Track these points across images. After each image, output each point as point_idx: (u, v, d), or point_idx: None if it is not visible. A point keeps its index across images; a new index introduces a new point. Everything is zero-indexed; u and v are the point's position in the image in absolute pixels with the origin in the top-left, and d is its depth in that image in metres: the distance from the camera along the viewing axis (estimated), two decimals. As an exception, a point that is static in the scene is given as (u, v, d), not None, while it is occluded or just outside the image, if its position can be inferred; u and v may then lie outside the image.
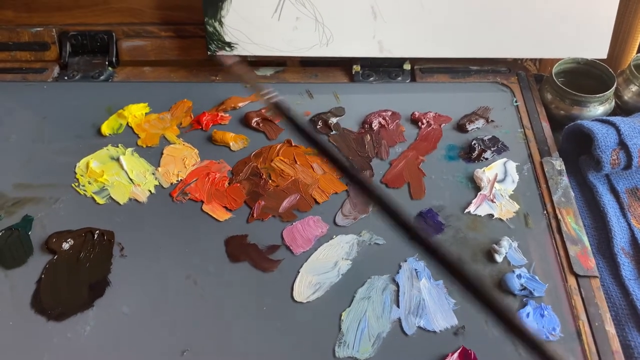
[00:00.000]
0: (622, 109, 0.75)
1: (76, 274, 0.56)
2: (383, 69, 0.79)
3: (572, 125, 0.66)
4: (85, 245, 0.58)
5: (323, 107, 0.73)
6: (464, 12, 0.74)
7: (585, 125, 0.64)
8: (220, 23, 0.75)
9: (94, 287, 0.55)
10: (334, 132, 0.70)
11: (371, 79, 0.78)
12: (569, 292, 0.54)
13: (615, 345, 0.50)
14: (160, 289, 0.55)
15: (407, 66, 0.79)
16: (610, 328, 0.51)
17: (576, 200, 0.62)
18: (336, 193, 0.63)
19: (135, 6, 0.79)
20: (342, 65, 0.80)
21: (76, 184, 0.64)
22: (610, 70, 0.73)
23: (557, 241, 0.58)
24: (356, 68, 0.79)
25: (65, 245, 0.58)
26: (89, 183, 0.64)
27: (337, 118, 0.72)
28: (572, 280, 0.55)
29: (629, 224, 0.61)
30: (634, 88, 0.73)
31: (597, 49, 0.76)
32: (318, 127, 0.70)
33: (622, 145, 0.62)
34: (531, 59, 0.84)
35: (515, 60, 0.82)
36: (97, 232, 0.59)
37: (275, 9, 0.74)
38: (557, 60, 0.75)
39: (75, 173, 0.65)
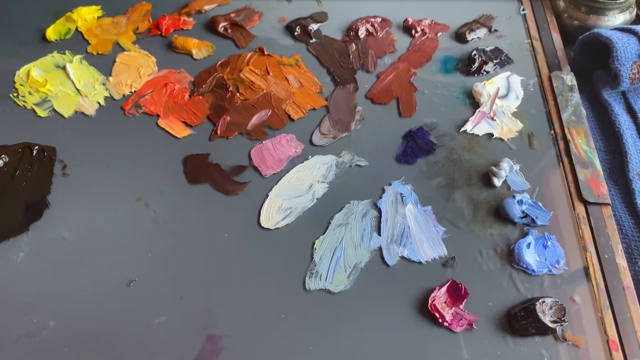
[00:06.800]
0: (645, 20, 0.66)
1: (10, 194, 0.50)
2: (373, -29, 0.69)
3: (587, 34, 0.58)
4: (22, 162, 0.51)
5: (303, 11, 0.65)
6: None
7: (603, 34, 0.56)
8: None
9: (31, 208, 0.49)
10: (314, 40, 0.61)
11: (359, -18, 0.69)
12: (576, 221, 0.47)
13: (627, 280, 0.45)
14: (107, 213, 0.49)
15: (400, -32, 0.69)
16: (622, 261, 0.45)
17: (588, 120, 0.55)
18: (314, 109, 0.55)
19: None
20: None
21: (15, 94, 0.57)
22: (634, -27, 0.64)
23: (564, 164, 0.51)
24: (342, -30, 0.69)
25: (-1, 163, 0.51)
26: (30, 94, 0.57)
27: (319, 24, 0.63)
28: (580, 208, 0.48)
29: (646, 148, 0.54)
30: (659, -4, 0.65)
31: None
32: (296, 34, 0.61)
33: (645, 56, 0.54)
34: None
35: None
36: (37, 147, 0.53)
37: None
38: (573, -38, 0.66)
39: (14, 82, 0.58)
